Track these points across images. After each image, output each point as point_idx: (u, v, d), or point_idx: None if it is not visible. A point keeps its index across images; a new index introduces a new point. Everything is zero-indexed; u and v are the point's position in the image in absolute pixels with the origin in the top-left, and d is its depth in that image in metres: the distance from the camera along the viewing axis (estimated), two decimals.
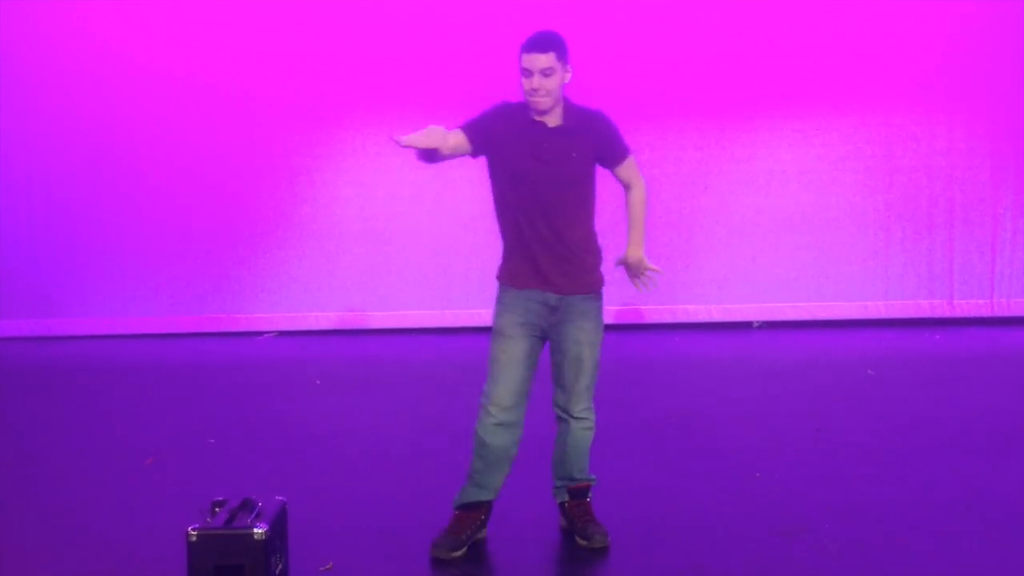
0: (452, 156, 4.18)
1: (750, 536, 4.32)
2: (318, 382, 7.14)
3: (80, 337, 8.65)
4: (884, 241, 8.46)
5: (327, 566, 4.09)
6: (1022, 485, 4.86)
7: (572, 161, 4.16)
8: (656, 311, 8.57)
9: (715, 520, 4.50)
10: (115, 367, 7.82)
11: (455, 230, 8.28)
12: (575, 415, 4.29)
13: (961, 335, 8.20)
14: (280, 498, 3.95)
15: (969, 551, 4.15)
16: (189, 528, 3.66)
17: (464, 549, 4.21)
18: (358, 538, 4.39)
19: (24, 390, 7.18)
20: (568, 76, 4.15)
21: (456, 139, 4.14)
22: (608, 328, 8.37)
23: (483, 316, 6.74)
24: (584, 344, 4.26)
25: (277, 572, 3.77)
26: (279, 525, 3.83)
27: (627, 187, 4.42)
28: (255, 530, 3.65)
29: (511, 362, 4.17)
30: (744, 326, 8.53)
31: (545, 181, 4.15)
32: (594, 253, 4.37)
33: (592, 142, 4.20)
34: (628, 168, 4.36)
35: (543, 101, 4.09)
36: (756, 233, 8.48)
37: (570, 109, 4.20)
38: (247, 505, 3.84)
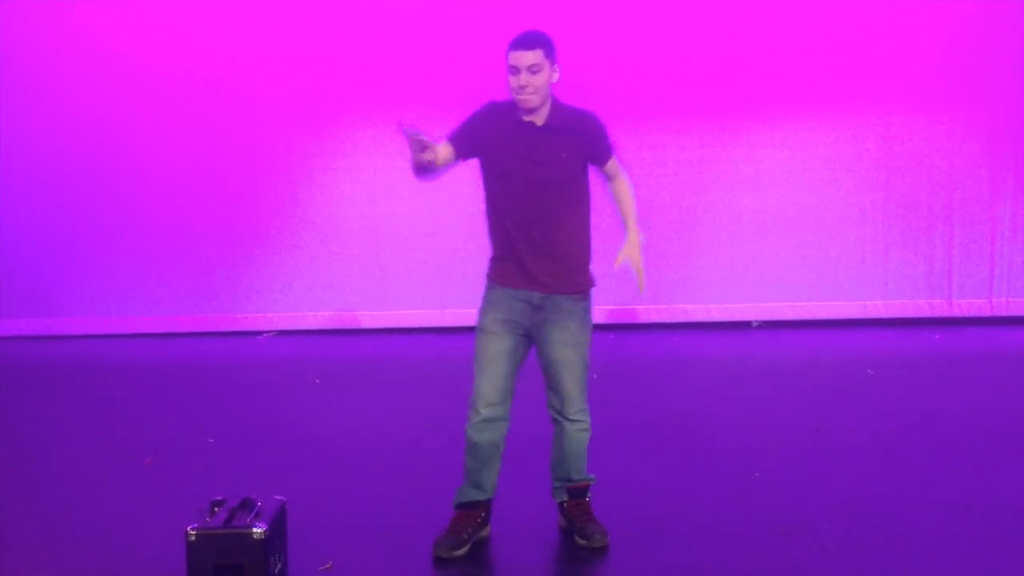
0: (446, 168, 4.26)
1: (750, 536, 4.32)
2: (317, 381, 7.14)
3: (79, 337, 8.66)
4: (884, 241, 8.47)
5: (326, 566, 4.09)
6: (1022, 485, 4.86)
7: (561, 161, 4.16)
8: (655, 311, 8.57)
9: (715, 520, 4.50)
10: (114, 367, 7.83)
11: (455, 230, 8.28)
12: (569, 417, 4.27)
13: (960, 335, 8.20)
14: (279, 497, 3.95)
15: (969, 551, 4.15)
16: (188, 528, 3.66)
17: (465, 548, 4.21)
18: (357, 538, 4.39)
19: (24, 390, 7.18)
20: (556, 75, 4.15)
21: (445, 151, 4.22)
22: (608, 328, 8.50)
23: None
24: (568, 345, 4.22)
25: (276, 572, 3.77)
26: (278, 525, 3.83)
27: (609, 178, 4.44)
28: (254, 530, 3.65)
29: (493, 359, 4.19)
30: (743, 326, 8.54)
31: (533, 180, 4.15)
32: (583, 253, 4.34)
33: (581, 141, 4.21)
34: (611, 166, 4.41)
35: (531, 99, 4.09)
36: (756, 233, 8.48)
37: (559, 108, 4.20)
38: (246, 505, 3.84)
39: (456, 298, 8.31)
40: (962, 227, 8.44)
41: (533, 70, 4.07)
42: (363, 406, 6.58)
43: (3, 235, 8.72)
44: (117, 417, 6.40)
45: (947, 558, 4.09)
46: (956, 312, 8.48)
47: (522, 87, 4.08)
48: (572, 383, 4.24)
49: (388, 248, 8.49)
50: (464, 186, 7.92)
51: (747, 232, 8.48)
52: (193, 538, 3.64)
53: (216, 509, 3.82)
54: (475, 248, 8.39)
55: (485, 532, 4.34)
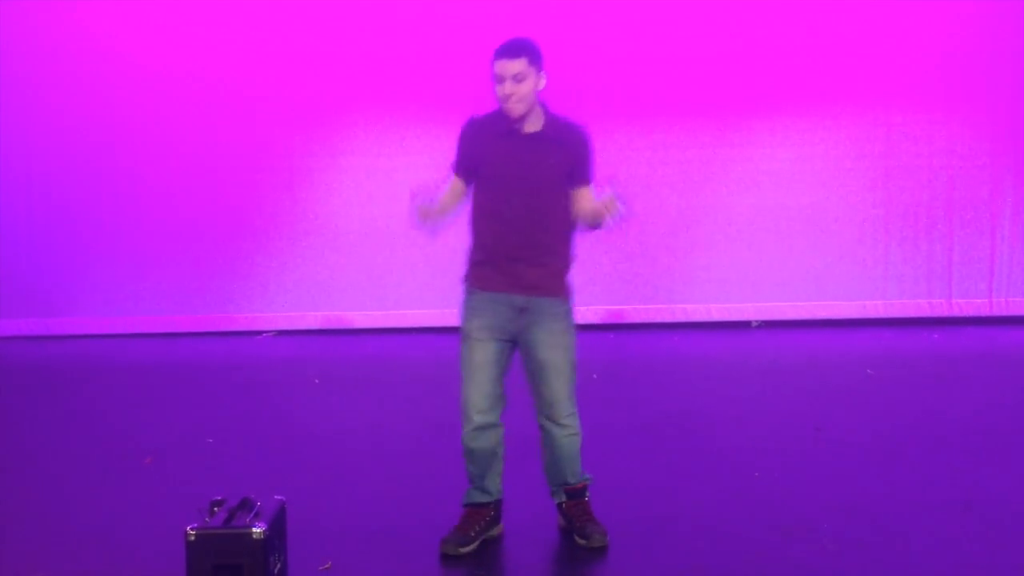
0: (462, 202, 4.29)
1: (750, 536, 4.32)
2: (317, 381, 7.14)
3: (79, 336, 8.66)
4: (883, 241, 8.47)
5: (326, 565, 4.09)
6: (1022, 484, 4.86)
7: (547, 168, 4.12)
8: (656, 311, 8.58)
9: (715, 520, 4.50)
10: (114, 367, 7.83)
11: (455, 229, 8.27)
12: (559, 422, 4.20)
13: (960, 334, 8.20)
14: (279, 497, 3.95)
15: (968, 550, 4.15)
16: (188, 527, 3.66)
17: (473, 546, 4.21)
18: (357, 537, 4.39)
19: (23, 389, 7.18)
20: (542, 82, 4.12)
21: (457, 186, 4.26)
22: (608, 328, 8.51)
23: None
24: (556, 347, 4.18)
25: (276, 571, 3.77)
26: (278, 524, 3.82)
27: (576, 199, 4.19)
28: (254, 529, 3.64)
29: (481, 366, 4.17)
30: (743, 325, 8.54)
31: (520, 187, 4.13)
32: (564, 259, 4.26)
33: (567, 153, 4.14)
34: (584, 195, 4.20)
35: (516, 107, 4.07)
36: (756, 233, 8.48)
37: (549, 117, 4.17)
38: (246, 504, 3.83)
39: (456, 298, 8.29)
40: (962, 227, 8.44)
41: (518, 79, 4.04)
42: (363, 406, 6.58)
43: (3, 235, 8.72)
44: (117, 417, 6.40)
45: (947, 558, 4.09)
46: (956, 312, 8.48)
47: (507, 96, 4.06)
48: (560, 386, 4.18)
49: (388, 248, 8.49)
50: None
51: (747, 232, 8.48)
52: (192, 538, 3.64)
53: (216, 509, 3.81)
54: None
55: (496, 531, 4.35)
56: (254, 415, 6.35)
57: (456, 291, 4.36)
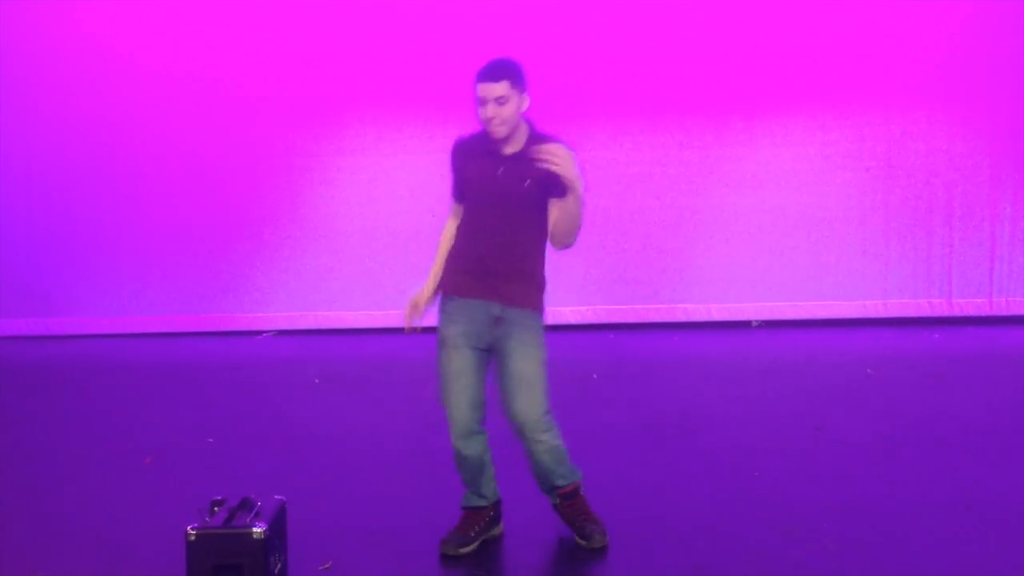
0: None
1: (750, 536, 4.32)
2: (317, 381, 7.14)
3: (79, 336, 8.66)
4: (883, 240, 8.47)
5: (326, 565, 4.09)
6: (1022, 484, 4.86)
7: (523, 189, 4.07)
8: (655, 311, 8.58)
9: (715, 520, 4.50)
10: (114, 367, 7.83)
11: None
12: (533, 437, 4.13)
13: (960, 334, 8.20)
14: (279, 497, 3.95)
15: (968, 550, 4.15)
16: (188, 527, 3.66)
17: (473, 546, 4.22)
18: (357, 537, 4.39)
19: (23, 389, 7.18)
20: (525, 103, 4.10)
21: (458, 212, 4.31)
22: (608, 328, 8.51)
23: None
24: (530, 357, 4.13)
25: (276, 571, 3.77)
26: (278, 524, 3.82)
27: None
28: (254, 529, 3.65)
29: (459, 374, 4.16)
30: (743, 325, 8.54)
31: (496, 207, 4.13)
32: (536, 278, 4.24)
33: (546, 172, 4.03)
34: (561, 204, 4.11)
35: (499, 130, 4.06)
36: (756, 233, 8.48)
37: (532, 136, 4.13)
38: (246, 504, 3.84)
39: None
40: (962, 226, 8.44)
41: (500, 101, 4.02)
42: (363, 406, 6.58)
43: (2, 235, 8.72)
44: (117, 417, 6.40)
45: (947, 558, 4.09)
46: (956, 311, 8.48)
47: (490, 119, 4.05)
48: (533, 398, 4.11)
49: (388, 248, 8.49)
50: None
51: (747, 232, 8.48)
52: (193, 538, 3.64)
53: (216, 509, 3.82)
54: None
55: (496, 531, 4.36)
56: (254, 415, 6.35)
57: None
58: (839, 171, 8.45)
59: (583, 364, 7.41)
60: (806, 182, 8.46)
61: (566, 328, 8.46)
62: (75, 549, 4.34)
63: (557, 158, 3.89)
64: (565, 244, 4.17)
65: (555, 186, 4.02)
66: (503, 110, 4.03)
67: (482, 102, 4.05)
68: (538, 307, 4.23)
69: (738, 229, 8.49)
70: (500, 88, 4.02)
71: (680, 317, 8.56)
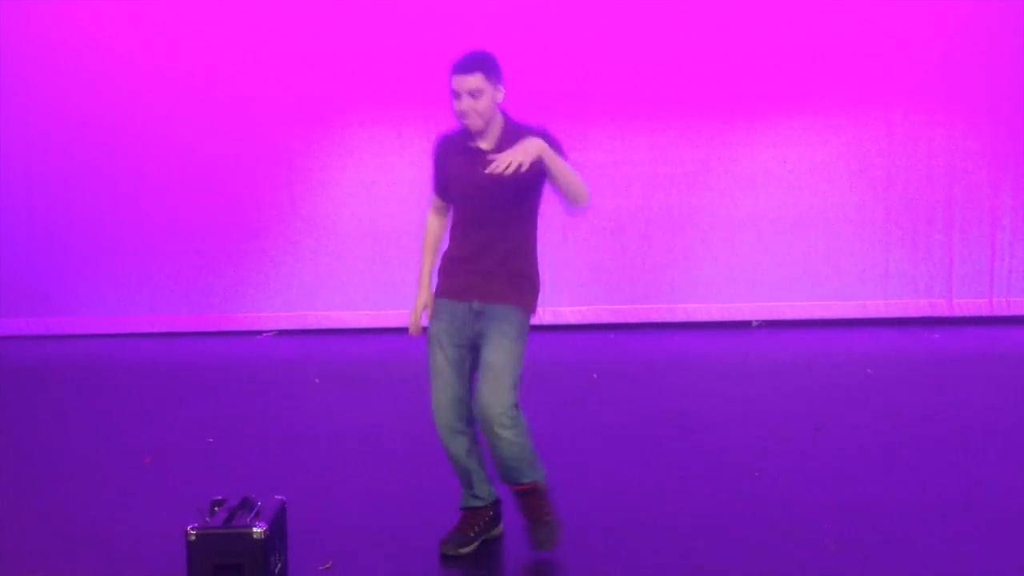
0: (447, 216, 4.35)
1: (750, 536, 4.32)
2: (317, 381, 7.14)
3: (79, 336, 8.67)
4: (883, 240, 8.47)
5: (326, 565, 4.09)
6: (1022, 484, 4.86)
7: (504, 182, 4.00)
8: (656, 310, 8.58)
9: (715, 520, 4.50)
10: (113, 366, 7.83)
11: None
12: (494, 430, 4.01)
13: (960, 334, 8.21)
14: (279, 497, 3.95)
15: (968, 550, 4.15)
16: (188, 527, 3.66)
17: (473, 546, 4.22)
18: (357, 537, 4.39)
19: (23, 389, 7.19)
20: (500, 95, 4.08)
21: (437, 204, 4.34)
22: (608, 328, 8.51)
23: None
24: (501, 347, 4.04)
25: (276, 571, 3.77)
26: (278, 524, 3.82)
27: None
28: (254, 529, 3.64)
29: (441, 370, 4.16)
30: (743, 325, 8.54)
31: (477, 203, 4.12)
32: (523, 277, 4.19)
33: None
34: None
35: (474, 122, 4.04)
36: (756, 233, 8.49)
37: (508, 128, 4.11)
38: (246, 504, 3.83)
39: None
40: (962, 227, 8.45)
41: (474, 94, 4.00)
42: (363, 406, 6.58)
43: (3, 235, 8.72)
44: (117, 417, 6.40)
45: (947, 558, 4.09)
46: (956, 312, 8.49)
47: (464, 112, 4.03)
48: (498, 390, 3.99)
49: (388, 248, 8.50)
50: None
51: (747, 232, 8.49)
52: (193, 538, 3.63)
53: (216, 509, 3.81)
54: None
55: (496, 531, 4.36)
56: (254, 415, 6.35)
57: None
58: (839, 171, 8.46)
59: (583, 364, 7.42)
60: (806, 182, 8.46)
61: (566, 328, 8.47)
62: (75, 549, 4.34)
63: (513, 159, 3.79)
64: (577, 204, 4.09)
65: (535, 172, 3.97)
66: (478, 103, 4.01)
67: (456, 95, 4.03)
68: (522, 303, 4.16)
69: (738, 229, 8.49)
70: (474, 80, 4.00)
71: (680, 317, 8.57)
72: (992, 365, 7.31)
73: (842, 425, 5.83)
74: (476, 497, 4.30)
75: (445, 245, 4.32)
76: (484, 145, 4.10)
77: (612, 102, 8.37)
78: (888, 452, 5.36)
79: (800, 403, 6.36)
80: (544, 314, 7.96)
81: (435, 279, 4.33)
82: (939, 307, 8.50)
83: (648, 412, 6.19)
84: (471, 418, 4.21)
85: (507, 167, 3.81)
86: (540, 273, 4.26)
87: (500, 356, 4.04)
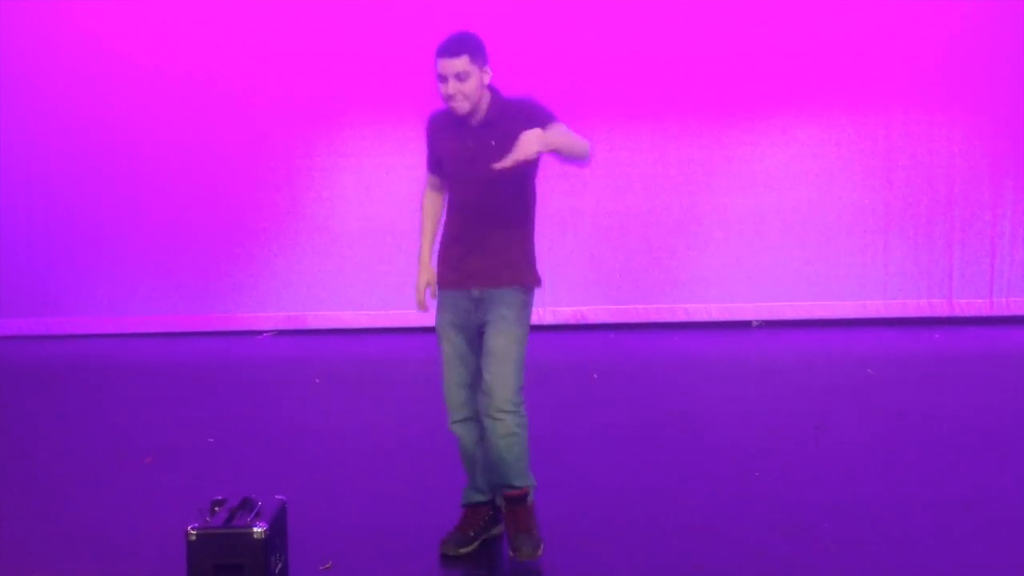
0: (443, 195, 4.37)
1: (750, 535, 4.32)
2: (317, 381, 7.14)
3: (79, 336, 8.67)
4: (883, 240, 8.47)
5: (326, 565, 4.09)
6: (1022, 484, 4.86)
7: (492, 151, 3.97)
8: (656, 310, 8.58)
9: (715, 520, 4.50)
10: (114, 366, 7.83)
11: None
12: (493, 415, 4.02)
13: (960, 334, 8.21)
14: (280, 497, 3.94)
15: (968, 550, 4.15)
16: (189, 527, 3.65)
17: (473, 546, 4.22)
18: (358, 537, 4.39)
19: (23, 389, 7.19)
20: (487, 76, 4.06)
21: (434, 181, 4.36)
22: (608, 328, 8.51)
23: None
24: (501, 333, 4.03)
25: (277, 571, 3.77)
26: (279, 524, 3.82)
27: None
28: (255, 529, 3.64)
29: (450, 361, 4.19)
30: (743, 325, 8.54)
31: (470, 177, 4.11)
32: (521, 250, 4.16)
33: (513, 129, 3.95)
34: (554, 127, 3.97)
35: (460, 105, 4.02)
36: (756, 233, 8.49)
37: (496, 103, 4.08)
38: (247, 504, 3.83)
39: None
40: (962, 226, 8.44)
41: (461, 77, 3.98)
42: (363, 406, 6.58)
43: (3, 235, 8.72)
44: (117, 417, 6.40)
45: (947, 558, 4.09)
46: (956, 312, 8.49)
47: (450, 95, 4.00)
48: (501, 377, 4.00)
49: (388, 248, 8.49)
50: None
51: (747, 232, 8.49)
52: (193, 538, 3.63)
53: (216, 509, 3.81)
54: None
55: (496, 531, 4.35)
56: (254, 415, 6.35)
57: None
58: (839, 171, 8.46)
59: (583, 364, 7.42)
60: (806, 182, 8.46)
61: (566, 328, 8.47)
62: (75, 549, 4.34)
63: (517, 158, 3.76)
64: (580, 162, 4.06)
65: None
66: (464, 86, 3.99)
67: (442, 79, 4.01)
68: (520, 281, 4.13)
69: (738, 229, 8.49)
70: (460, 63, 3.99)
71: (680, 317, 8.57)
72: (992, 365, 7.31)
73: (842, 425, 5.83)
74: (478, 491, 4.29)
75: (443, 230, 4.33)
76: (473, 120, 4.08)
77: (612, 102, 8.36)
78: (888, 452, 5.36)
79: (800, 403, 6.36)
80: (544, 314, 7.97)
81: (435, 258, 4.35)
82: (939, 307, 8.50)
83: (648, 412, 6.19)
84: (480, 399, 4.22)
85: (512, 164, 3.80)
86: (536, 246, 4.22)
87: (501, 341, 4.04)
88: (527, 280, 4.16)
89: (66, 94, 8.55)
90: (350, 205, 8.61)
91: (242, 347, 8.32)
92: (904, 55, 8.33)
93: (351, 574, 4.06)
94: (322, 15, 8.45)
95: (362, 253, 8.60)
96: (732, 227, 8.49)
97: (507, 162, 3.80)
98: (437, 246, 4.37)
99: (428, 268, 4.40)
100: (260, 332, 8.67)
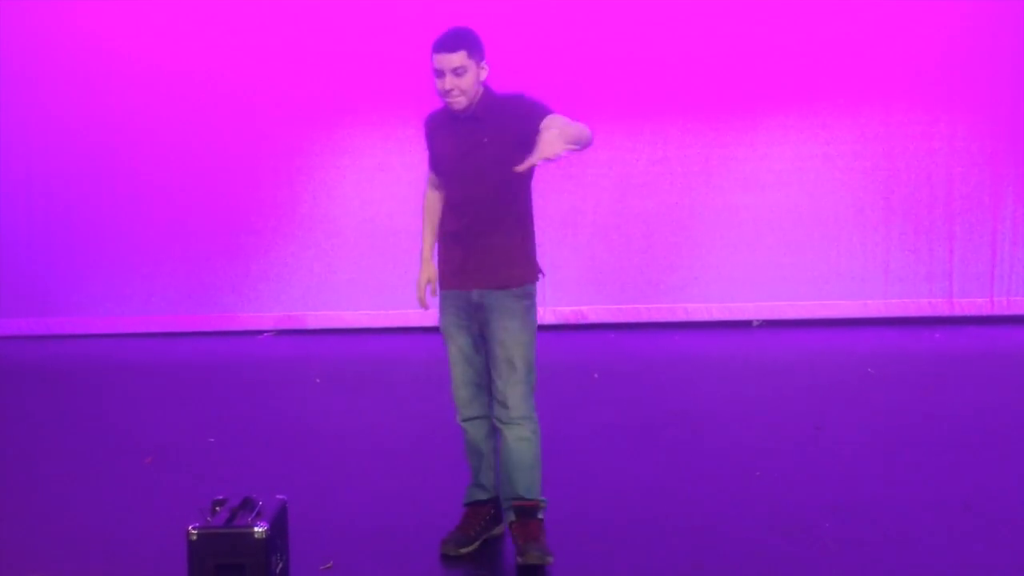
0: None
1: (750, 535, 4.32)
2: (318, 380, 7.14)
3: (79, 336, 8.66)
4: (884, 239, 8.47)
5: (327, 565, 4.09)
6: (1022, 484, 4.86)
7: (484, 147, 4.00)
8: (656, 310, 8.58)
9: (715, 520, 4.50)
10: (114, 366, 7.83)
11: None
12: (506, 422, 4.06)
13: (961, 333, 8.21)
14: (281, 497, 3.94)
15: (968, 550, 4.15)
16: (190, 527, 3.65)
17: (474, 546, 4.22)
18: (359, 537, 4.39)
19: (23, 389, 7.19)
20: (484, 73, 4.05)
21: (434, 181, 4.34)
22: (608, 327, 8.50)
23: None
24: (507, 344, 4.04)
25: (277, 571, 3.76)
26: (279, 524, 3.82)
27: None
28: (255, 529, 3.64)
29: (456, 361, 4.21)
30: (744, 324, 8.54)
31: (463, 174, 4.11)
32: (519, 247, 4.13)
33: (507, 125, 3.97)
34: (551, 122, 3.90)
35: (458, 101, 4.01)
36: (756, 232, 8.48)
37: (488, 99, 4.07)
38: (247, 504, 3.83)
39: None
40: (962, 226, 8.44)
41: (458, 72, 3.97)
42: (364, 405, 6.58)
43: (3, 234, 8.72)
44: (117, 417, 6.40)
45: (947, 558, 4.09)
46: (957, 311, 8.48)
47: (448, 91, 3.99)
48: (512, 386, 4.04)
49: (388, 248, 8.49)
50: None
51: (747, 231, 8.49)
52: (194, 537, 3.63)
53: (217, 508, 3.81)
54: None
55: (497, 531, 4.35)
56: (255, 415, 6.35)
57: None
58: (839, 170, 8.46)
59: (583, 364, 7.42)
60: (806, 182, 8.46)
61: (566, 328, 8.47)
62: (75, 549, 4.34)
63: (541, 159, 3.68)
64: (588, 147, 3.96)
65: (526, 125, 3.89)
66: (461, 81, 3.98)
67: (439, 74, 4.00)
68: (519, 280, 4.11)
69: (739, 228, 8.49)
70: (457, 58, 3.98)
71: (680, 317, 8.57)
72: (993, 365, 7.31)
73: (842, 425, 5.83)
74: (481, 488, 4.29)
75: (439, 227, 4.34)
76: (465, 118, 4.08)
77: (612, 102, 8.36)
78: (888, 452, 5.36)
79: (800, 403, 6.36)
80: (544, 314, 7.95)
81: (436, 255, 4.37)
82: (940, 306, 8.49)
83: (648, 412, 6.19)
84: (492, 404, 4.22)
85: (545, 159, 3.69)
86: (536, 244, 4.20)
87: (510, 351, 4.05)
88: (528, 277, 4.15)
89: (66, 94, 8.55)
90: (350, 205, 8.61)
91: (242, 347, 8.32)
92: (904, 55, 8.33)
93: (352, 574, 4.07)
94: (322, 15, 8.45)
95: (362, 253, 8.60)
96: (732, 226, 8.49)
97: (531, 162, 3.72)
98: (438, 243, 4.37)
99: (429, 265, 4.42)
100: (260, 332, 8.67)
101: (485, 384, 4.21)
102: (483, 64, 4.06)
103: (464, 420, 4.25)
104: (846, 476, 5.01)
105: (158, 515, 4.62)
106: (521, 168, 3.78)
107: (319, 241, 8.63)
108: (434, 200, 4.41)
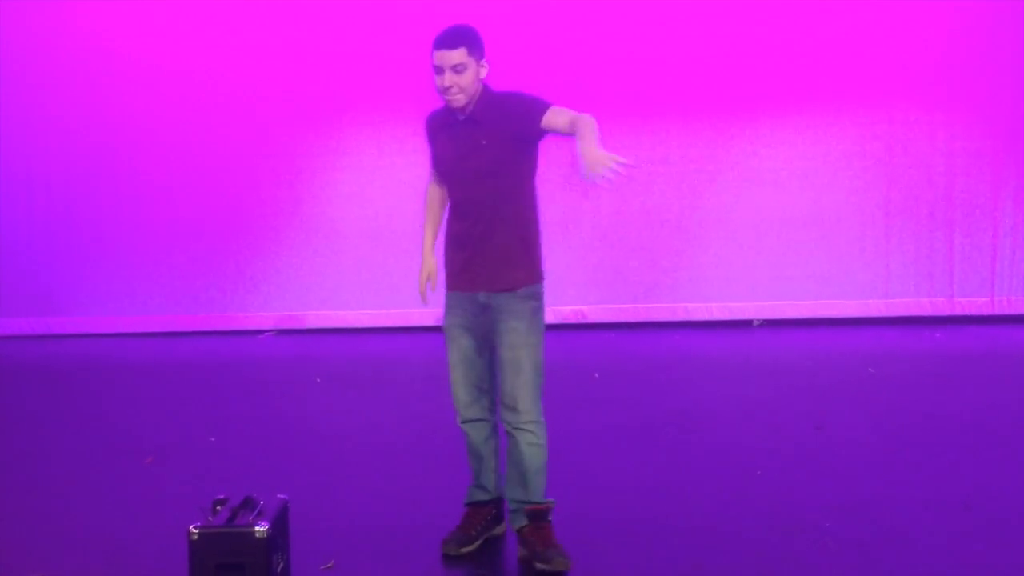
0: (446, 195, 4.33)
1: (750, 535, 4.32)
2: (318, 380, 7.14)
3: (80, 335, 8.67)
4: (884, 239, 8.47)
5: (328, 564, 4.09)
6: (1022, 484, 4.86)
7: (483, 149, 3.99)
8: (657, 309, 8.58)
9: (715, 519, 4.50)
10: (115, 366, 7.83)
11: None
12: (517, 426, 4.04)
13: (961, 333, 8.21)
14: (282, 496, 3.95)
15: (968, 549, 4.15)
16: (190, 526, 3.66)
17: (475, 545, 4.22)
18: (359, 536, 4.39)
19: (24, 388, 7.19)
20: (484, 71, 4.04)
21: (438, 178, 4.31)
22: (608, 327, 8.50)
23: None
24: (516, 346, 4.02)
25: (278, 570, 3.77)
26: (280, 523, 3.82)
27: (567, 131, 3.88)
28: (256, 528, 3.64)
29: (458, 363, 4.19)
30: (744, 324, 8.54)
31: (463, 175, 4.10)
32: (523, 247, 4.11)
33: (503, 124, 3.96)
34: (557, 114, 3.92)
35: (457, 99, 3.99)
36: (757, 231, 8.49)
37: (486, 97, 4.05)
38: (248, 503, 3.84)
39: None
40: (963, 225, 8.44)
41: (458, 70, 3.95)
42: (364, 405, 6.58)
43: (3, 234, 8.72)
44: (117, 416, 6.40)
45: (947, 557, 4.09)
46: (957, 310, 8.48)
47: (447, 88, 3.97)
48: (520, 387, 4.02)
49: (388, 248, 8.49)
50: None
51: (748, 231, 8.49)
52: (195, 537, 3.64)
53: (218, 508, 3.81)
54: None
55: (498, 530, 4.35)
56: (255, 414, 6.35)
57: None
58: (839, 170, 8.46)
59: (583, 364, 7.41)
60: (807, 181, 8.46)
61: (566, 328, 8.46)
62: (75, 549, 4.34)
63: (592, 172, 3.61)
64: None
65: (528, 121, 3.90)
66: (461, 78, 3.97)
67: (439, 71, 3.99)
68: (527, 282, 4.09)
69: (739, 228, 8.49)
70: (457, 55, 3.96)
71: (681, 316, 8.57)
72: (993, 364, 7.31)
73: (843, 424, 5.84)
74: (482, 489, 4.29)
75: (446, 234, 4.31)
76: (464, 117, 4.07)
77: (612, 102, 8.35)
78: (888, 451, 5.36)
79: (800, 402, 6.36)
80: (545, 314, 7.96)
81: (438, 251, 4.36)
82: (940, 306, 8.49)
83: (649, 412, 6.19)
84: (493, 407, 4.22)
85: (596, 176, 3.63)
86: (540, 235, 4.19)
87: (518, 353, 4.03)
88: (531, 278, 4.12)
89: (67, 94, 8.55)
90: (350, 205, 8.61)
91: (242, 347, 8.33)
92: (904, 55, 8.33)
93: (353, 573, 4.07)
94: (322, 15, 8.45)
95: (362, 253, 8.60)
96: (732, 226, 8.49)
97: (588, 180, 3.63)
98: (441, 238, 4.36)
99: (430, 259, 4.40)
100: (261, 332, 8.67)
101: (485, 387, 4.21)
102: (483, 62, 4.05)
103: (464, 422, 4.24)
104: (846, 476, 5.01)
105: (159, 515, 4.62)
106: (585, 181, 3.66)
107: (319, 241, 8.64)
108: (436, 194, 4.40)
